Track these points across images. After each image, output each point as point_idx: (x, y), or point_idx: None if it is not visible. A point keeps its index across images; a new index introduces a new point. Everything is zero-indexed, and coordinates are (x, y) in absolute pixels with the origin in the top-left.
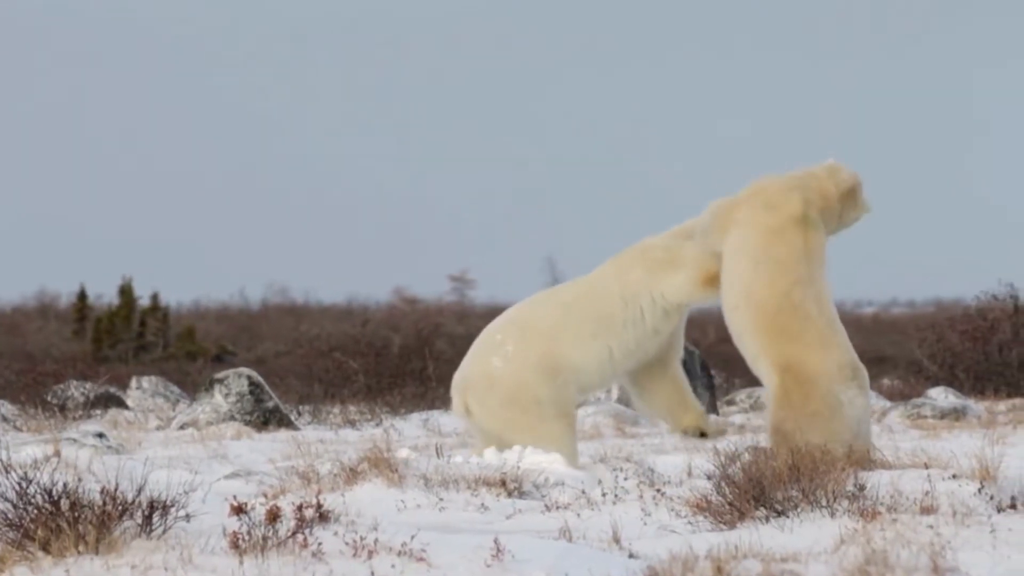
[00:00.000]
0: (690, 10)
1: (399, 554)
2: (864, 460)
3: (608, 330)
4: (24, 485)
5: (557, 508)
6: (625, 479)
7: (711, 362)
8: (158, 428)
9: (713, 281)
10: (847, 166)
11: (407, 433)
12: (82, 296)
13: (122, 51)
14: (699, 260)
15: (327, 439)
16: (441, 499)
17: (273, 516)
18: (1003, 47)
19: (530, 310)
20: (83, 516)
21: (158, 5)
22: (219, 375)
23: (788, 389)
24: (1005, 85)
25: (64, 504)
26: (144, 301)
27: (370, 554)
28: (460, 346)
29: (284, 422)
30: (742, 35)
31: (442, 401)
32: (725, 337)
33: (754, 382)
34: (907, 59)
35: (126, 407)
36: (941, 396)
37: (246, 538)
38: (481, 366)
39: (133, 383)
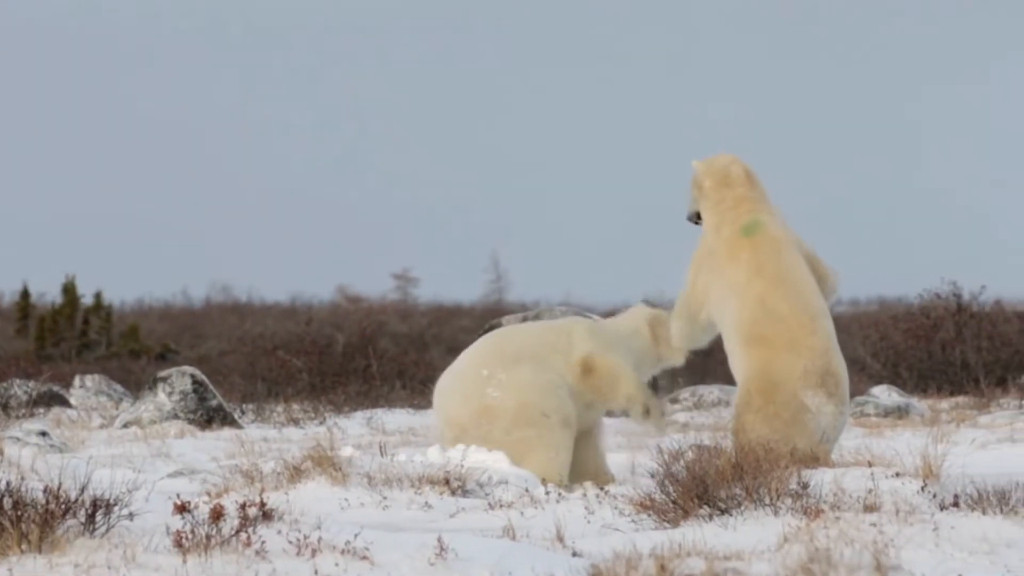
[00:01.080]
0: (624, 9)
1: (343, 553)
2: (808, 459)
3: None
4: None
5: (501, 507)
6: None
7: None
8: (101, 427)
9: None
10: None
11: (351, 431)
12: (25, 294)
13: (61, 45)
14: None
15: (271, 437)
16: (385, 498)
17: (217, 515)
18: (947, 48)
19: (500, 341)
20: (26, 515)
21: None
22: (162, 374)
23: (750, 392)
24: (949, 84)
25: (7, 503)
26: (87, 299)
27: (313, 553)
28: (404, 344)
29: (228, 420)
30: (681, 35)
31: (386, 399)
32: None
33: (697, 380)
34: (854, 59)
35: (69, 406)
36: (884, 394)
37: (190, 537)
38: (477, 403)
39: (76, 382)
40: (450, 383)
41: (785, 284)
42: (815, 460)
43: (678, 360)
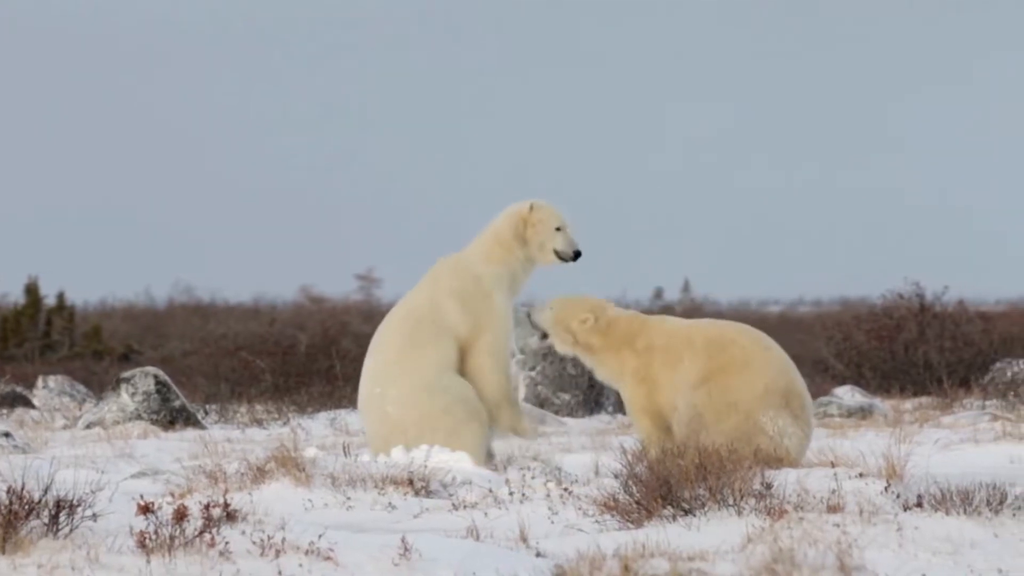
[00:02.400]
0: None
1: (306, 553)
2: (771, 458)
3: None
4: None
5: (464, 507)
6: (532, 478)
7: None
8: (64, 427)
9: None
10: None
11: (314, 432)
12: None
13: (20, 45)
14: None
15: (234, 438)
16: (348, 498)
17: (180, 515)
18: (915, 51)
19: (382, 349)
20: None
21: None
22: (125, 374)
23: (706, 413)
24: (910, 87)
25: None
26: (50, 300)
27: (277, 553)
28: (367, 344)
29: (191, 421)
30: (663, 36)
31: (349, 400)
32: None
33: None
34: (822, 64)
35: (32, 406)
36: (848, 395)
37: (153, 537)
38: (385, 422)
39: (39, 382)
40: (360, 404)
41: (719, 320)
42: (778, 460)
43: (543, 261)
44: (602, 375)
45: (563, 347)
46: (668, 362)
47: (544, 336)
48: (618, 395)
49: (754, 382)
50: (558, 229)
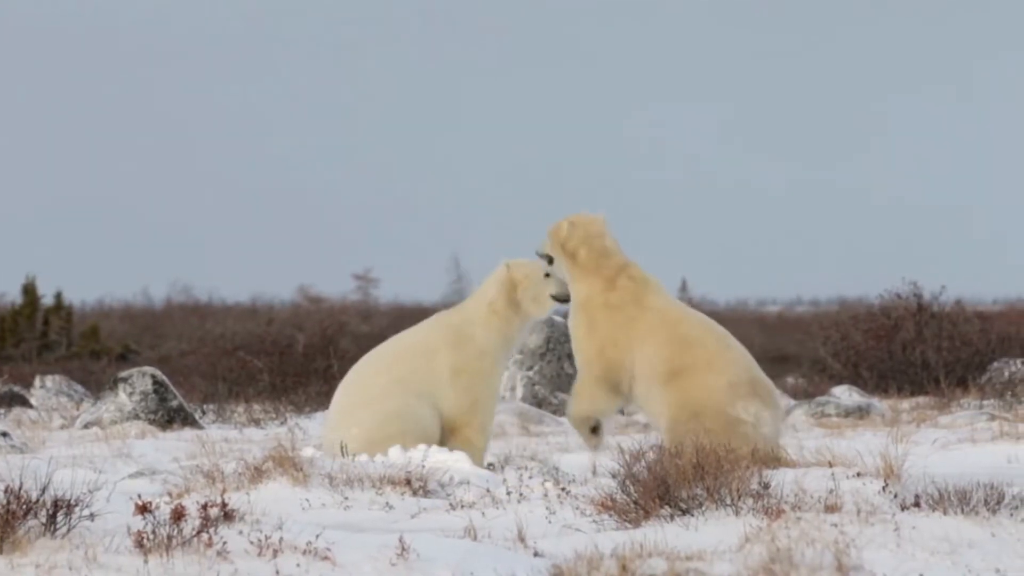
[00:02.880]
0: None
1: (304, 553)
2: (768, 458)
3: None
4: None
5: (462, 507)
6: (530, 478)
7: None
8: (62, 427)
9: None
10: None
11: (312, 432)
12: None
13: (14, 43)
14: None
15: (232, 438)
16: (346, 498)
17: (178, 515)
18: (908, 53)
19: (362, 373)
20: None
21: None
22: (123, 374)
23: (679, 425)
24: (907, 86)
25: None
26: (47, 300)
27: (275, 553)
28: (365, 345)
29: (188, 421)
30: (646, 35)
31: None
32: None
33: None
34: (817, 63)
35: (30, 406)
36: (845, 394)
37: (151, 537)
38: (350, 438)
39: (37, 382)
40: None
41: (692, 315)
42: (776, 459)
43: (542, 313)
44: (570, 291)
45: (560, 267)
46: (630, 334)
47: (550, 260)
48: None
49: (720, 379)
50: (547, 275)
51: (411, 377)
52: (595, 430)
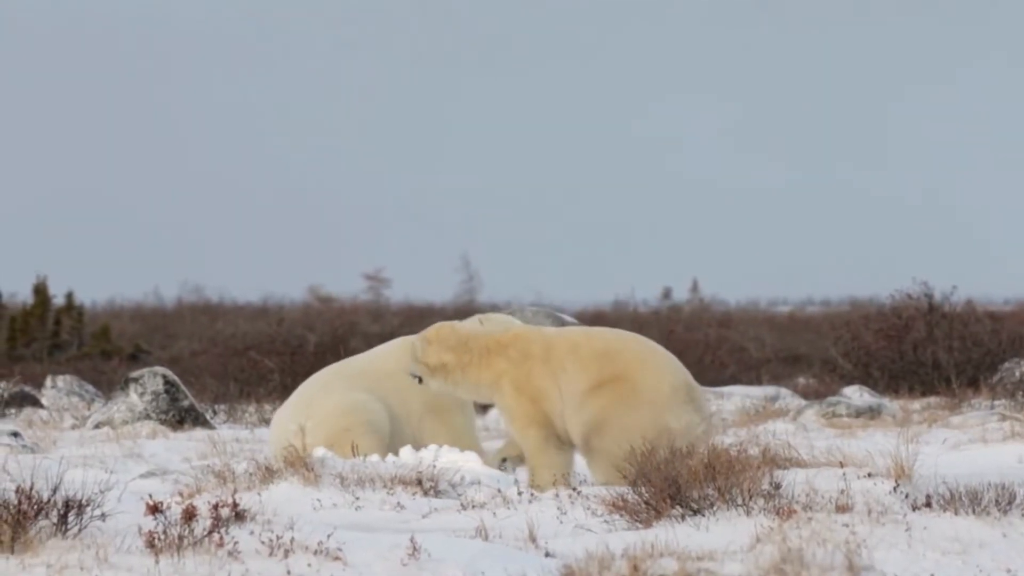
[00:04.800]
0: (606, 13)
1: (315, 553)
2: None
3: None
4: None
5: (473, 507)
6: None
7: None
8: (73, 427)
9: None
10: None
11: None
12: None
13: (26, 43)
14: None
15: (243, 438)
16: (357, 498)
17: (189, 515)
18: (918, 50)
19: (312, 387)
20: None
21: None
22: (134, 374)
23: (604, 417)
24: (921, 85)
25: None
26: (59, 300)
27: (286, 553)
28: (375, 345)
29: (200, 421)
30: (656, 35)
31: None
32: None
33: None
34: (828, 60)
35: (41, 406)
36: (856, 395)
37: (162, 537)
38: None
39: (48, 382)
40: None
41: (599, 331)
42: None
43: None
44: (468, 391)
45: (434, 381)
46: (550, 371)
47: (420, 380)
48: None
49: (656, 384)
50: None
51: (370, 386)
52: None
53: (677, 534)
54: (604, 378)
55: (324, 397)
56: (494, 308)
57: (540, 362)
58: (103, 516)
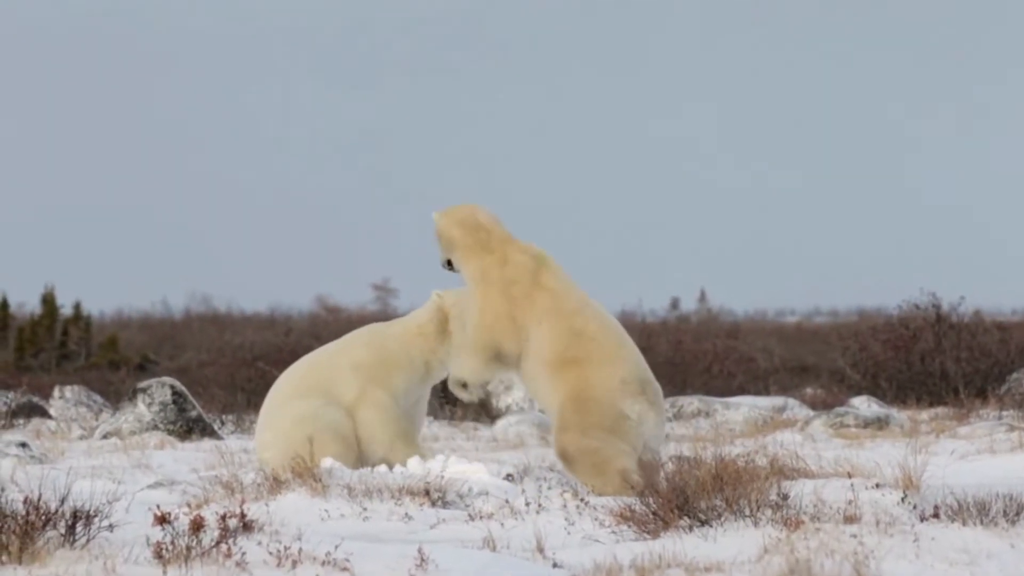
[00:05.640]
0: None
1: (323, 564)
2: (653, 466)
3: None
4: None
5: (481, 518)
6: (549, 488)
7: None
8: (81, 438)
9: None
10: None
11: None
12: (3, 305)
13: (33, 53)
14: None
15: (251, 448)
16: (365, 509)
17: (197, 526)
18: (930, 63)
19: (273, 396)
20: (6, 526)
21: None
22: (142, 384)
23: (566, 411)
24: (931, 98)
25: None
26: (67, 310)
27: (294, 564)
28: None
29: (207, 431)
30: (663, 43)
31: None
32: (647, 346)
33: (677, 391)
34: (837, 73)
35: (49, 417)
36: (864, 405)
37: (170, 548)
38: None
39: (56, 392)
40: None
41: (590, 307)
42: (651, 468)
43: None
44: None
45: (445, 254)
46: (529, 314)
47: (449, 264)
48: None
49: (612, 375)
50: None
51: (325, 383)
52: (464, 385)
53: (685, 545)
54: (566, 359)
55: (279, 408)
56: None
57: (522, 295)
58: (111, 527)
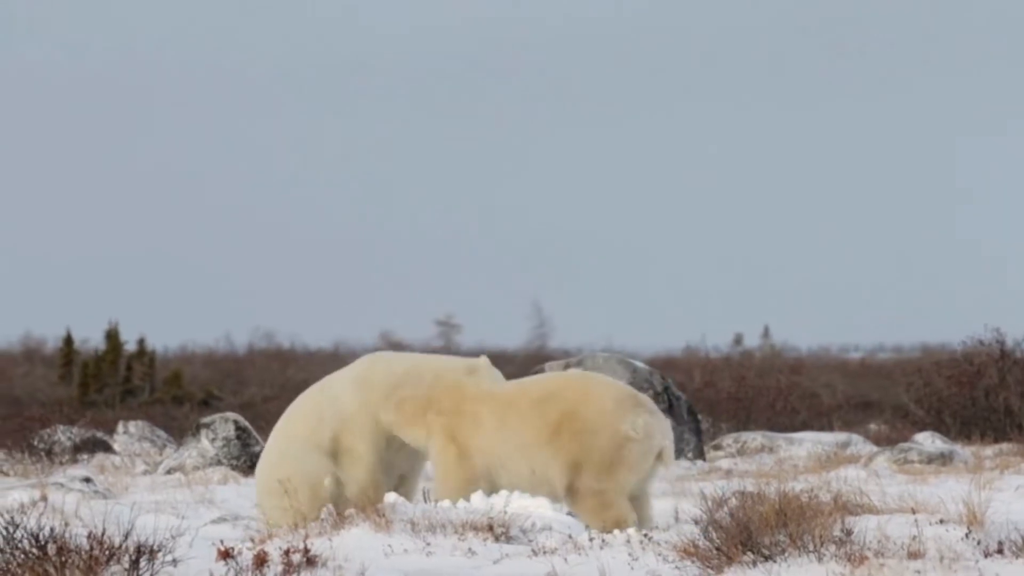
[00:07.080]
0: (666, 65)
1: None
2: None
3: None
4: (11, 530)
5: (544, 553)
6: None
7: (698, 407)
8: (145, 473)
9: None
10: None
11: None
12: (68, 341)
13: (96, 89)
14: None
15: None
16: (428, 544)
17: (260, 561)
18: (990, 94)
19: (276, 436)
20: (70, 561)
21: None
22: (206, 420)
23: (574, 458)
24: (991, 132)
25: (51, 549)
26: (130, 346)
27: None
28: None
29: None
30: (719, 85)
31: None
32: (710, 381)
33: (740, 426)
34: (896, 107)
35: (113, 452)
36: (928, 441)
37: None
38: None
39: (120, 427)
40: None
41: (529, 380)
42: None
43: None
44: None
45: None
46: (483, 427)
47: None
48: (699, 442)
49: (601, 403)
50: None
51: (309, 422)
52: None
53: None
54: (550, 424)
55: (263, 459)
56: (565, 354)
57: (470, 417)
58: (174, 562)
